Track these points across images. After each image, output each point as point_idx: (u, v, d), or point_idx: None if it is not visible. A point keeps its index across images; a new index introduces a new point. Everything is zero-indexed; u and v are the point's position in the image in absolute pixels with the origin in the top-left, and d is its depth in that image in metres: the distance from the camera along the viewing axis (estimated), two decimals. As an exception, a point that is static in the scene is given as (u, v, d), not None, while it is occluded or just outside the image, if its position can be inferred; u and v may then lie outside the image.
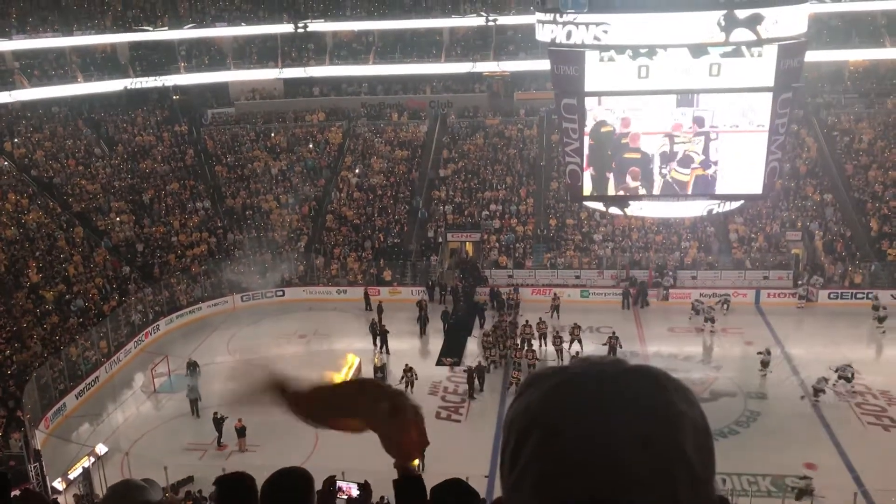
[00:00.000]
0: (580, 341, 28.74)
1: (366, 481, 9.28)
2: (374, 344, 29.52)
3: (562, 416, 1.10)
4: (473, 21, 42.95)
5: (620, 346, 28.23)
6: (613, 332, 28.72)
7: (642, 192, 20.09)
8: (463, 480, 3.29)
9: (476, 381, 26.63)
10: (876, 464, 21.02)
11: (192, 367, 27.79)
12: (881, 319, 29.47)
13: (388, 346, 29.50)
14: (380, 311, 31.38)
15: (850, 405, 24.50)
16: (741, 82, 18.62)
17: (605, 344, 28.22)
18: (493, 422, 24.64)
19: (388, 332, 29.63)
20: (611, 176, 19.98)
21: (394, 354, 29.29)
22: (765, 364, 26.65)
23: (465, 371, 27.30)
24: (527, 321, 30.15)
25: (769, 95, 18.68)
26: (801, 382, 26.14)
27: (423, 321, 31.46)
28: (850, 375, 24.95)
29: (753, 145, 19.43)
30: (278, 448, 23.08)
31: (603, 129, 19.41)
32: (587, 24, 17.98)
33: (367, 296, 34.19)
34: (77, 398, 27.09)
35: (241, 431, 23.47)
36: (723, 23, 17.26)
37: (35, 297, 30.86)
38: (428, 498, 3.05)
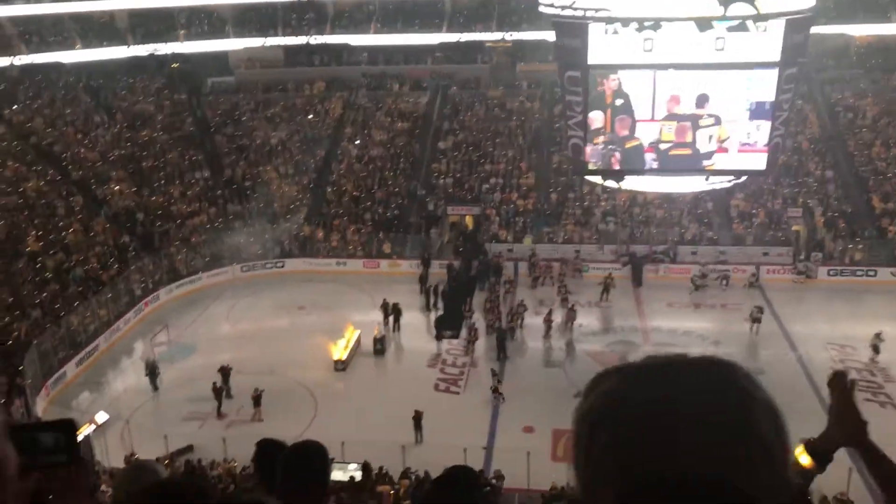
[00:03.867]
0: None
1: (366, 462, 9.34)
2: (386, 322, 29.32)
3: (636, 403, 1.10)
4: (476, -9, 42.50)
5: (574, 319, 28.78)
6: (572, 306, 29.25)
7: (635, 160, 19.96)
8: (468, 469, 3.30)
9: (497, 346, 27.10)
10: (873, 440, 21.10)
11: (153, 367, 26.00)
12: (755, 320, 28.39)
13: (400, 324, 29.39)
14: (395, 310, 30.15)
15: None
16: (746, 57, 18.40)
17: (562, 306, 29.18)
18: (490, 394, 24.77)
19: (401, 311, 29.40)
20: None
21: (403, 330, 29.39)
22: (755, 320, 27.46)
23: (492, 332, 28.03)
24: (521, 300, 30.19)
25: (773, 71, 18.51)
26: (798, 358, 26.23)
27: (427, 295, 31.44)
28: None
29: (756, 122, 19.27)
30: (276, 419, 23.26)
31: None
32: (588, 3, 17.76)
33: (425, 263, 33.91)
34: (77, 366, 27.18)
35: (257, 400, 23.57)
36: (721, -5, 17.05)
37: (35, 264, 30.85)
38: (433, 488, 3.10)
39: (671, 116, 19.15)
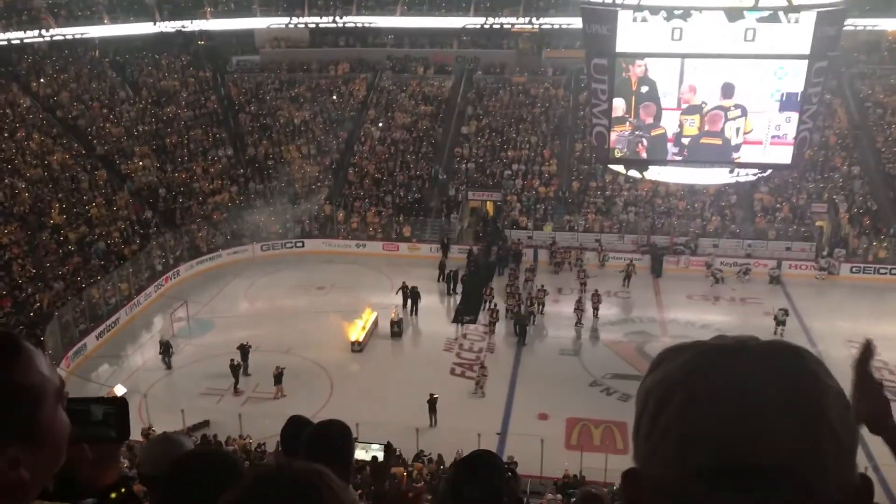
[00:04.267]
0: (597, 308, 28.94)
1: (388, 443, 9.32)
2: (405, 305, 29.35)
3: (704, 381, 1.09)
4: (504, -25, 42.16)
5: (599, 304, 28.86)
6: (596, 291, 29.29)
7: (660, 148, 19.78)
8: (490, 453, 3.30)
9: (518, 330, 27.36)
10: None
11: (167, 345, 26.04)
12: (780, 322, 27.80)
13: (418, 307, 29.45)
14: (414, 293, 30.02)
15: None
16: (776, 49, 18.15)
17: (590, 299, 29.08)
18: (506, 379, 24.82)
19: (419, 294, 29.46)
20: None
21: (420, 313, 29.47)
22: (780, 322, 27.08)
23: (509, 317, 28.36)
24: (542, 286, 30.21)
25: (803, 63, 18.25)
26: (818, 354, 25.86)
27: (448, 280, 31.46)
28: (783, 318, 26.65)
29: (786, 113, 19.03)
30: (292, 398, 23.44)
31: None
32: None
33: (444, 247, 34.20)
34: (97, 339, 27.51)
35: (278, 378, 23.70)
36: (753, -14, 16.82)
37: (58, 237, 31.18)
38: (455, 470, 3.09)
39: (692, 108, 18.96)
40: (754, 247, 33.45)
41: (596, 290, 29.45)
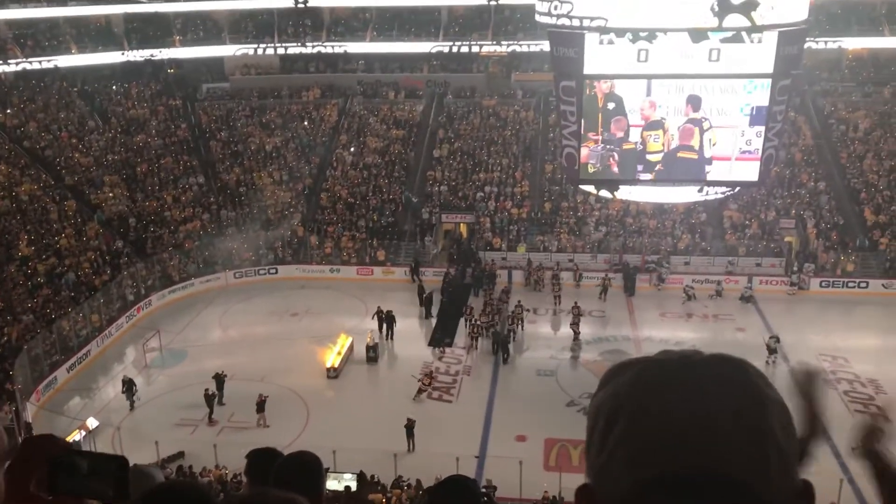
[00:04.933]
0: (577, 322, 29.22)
1: (361, 472, 9.28)
2: (380, 329, 29.18)
3: (652, 395, 1.12)
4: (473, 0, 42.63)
5: (580, 316, 29.07)
6: (575, 303, 29.49)
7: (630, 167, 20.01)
8: (465, 478, 3.27)
9: (498, 348, 27.64)
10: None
11: (130, 383, 25.11)
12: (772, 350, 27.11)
13: (394, 332, 29.34)
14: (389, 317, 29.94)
15: (839, 393, 24.66)
16: (740, 68, 18.53)
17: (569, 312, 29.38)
18: (483, 402, 24.76)
19: (394, 318, 29.32)
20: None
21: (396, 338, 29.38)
22: (771, 350, 26.35)
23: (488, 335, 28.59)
24: (518, 301, 30.39)
25: (766, 82, 18.63)
26: (790, 369, 26.21)
27: (426, 303, 31.42)
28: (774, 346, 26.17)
29: (743, 132, 19.38)
30: (267, 425, 23.20)
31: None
32: (587, 7, 17.87)
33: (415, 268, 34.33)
34: (68, 371, 27.06)
35: (260, 406, 23.36)
36: (716, 8, 17.17)
37: (27, 269, 30.74)
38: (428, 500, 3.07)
39: (653, 124, 19.24)
40: (720, 263, 33.78)
41: (575, 303, 29.66)
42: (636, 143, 19.43)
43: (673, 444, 1.07)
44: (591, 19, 17.83)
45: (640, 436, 1.10)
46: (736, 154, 19.59)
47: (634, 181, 20.28)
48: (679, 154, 19.48)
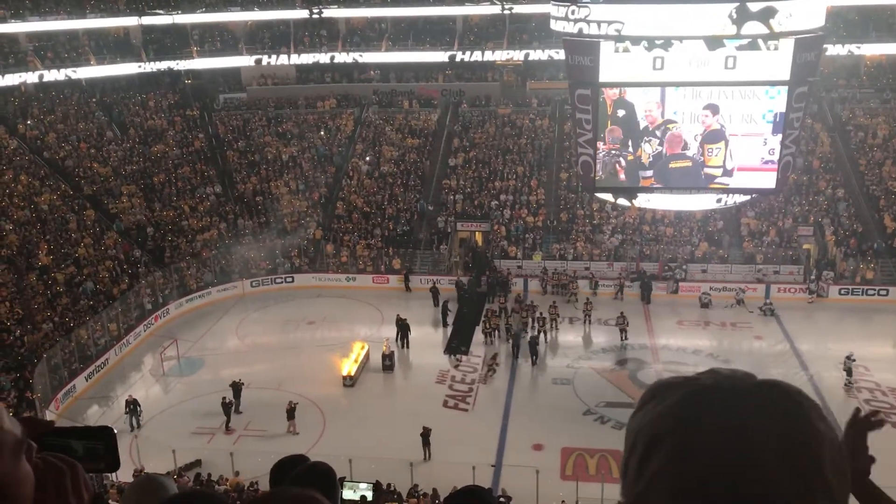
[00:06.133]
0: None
1: (377, 482, 9.27)
2: (398, 339, 29.19)
3: (697, 424, 1.07)
4: (488, 9, 42.73)
5: (627, 327, 29.32)
6: (622, 313, 29.81)
7: (647, 175, 19.97)
8: (481, 489, 3.24)
9: (518, 351, 28.22)
10: (883, 460, 20.77)
11: (134, 404, 24.43)
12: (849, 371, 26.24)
13: (408, 340, 29.33)
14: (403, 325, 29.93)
15: (859, 401, 24.39)
16: (757, 75, 18.48)
17: (616, 324, 29.65)
18: (499, 411, 24.69)
19: (408, 326, 29.34)
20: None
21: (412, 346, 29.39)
22: (849, 372, 25.54)
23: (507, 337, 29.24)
24: (553, 302, 31.06)
25: (775, 91, 18.57)
26: (809, 378, 26.04)
27: (443, 311, 31.41)
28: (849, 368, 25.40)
29: (766, 141, 19.32)
30: (284, 434, 23.26)
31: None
32: (602, 15, 17.88)
33: (406, 278, 34.81)
34: (87, 380, 27.24)
35: (290, 413, 23.36)
36: (734, 15, 17.14)
37: (46, 278, 31.03)
38: None
39: (671, 137, 19.22)
40: (738, 271, 33.58)
41: (587, 300, 30.97)
42: (643, 150, 19.48)
43: (717, 479, 1.03)
44: (609, 23, 17.81)
45: (683, 467, 1.05)
46: (758, 164, 19.54)
47: (651, 189, 20.25)
48: (672, 165, 19.53)
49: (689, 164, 19.53)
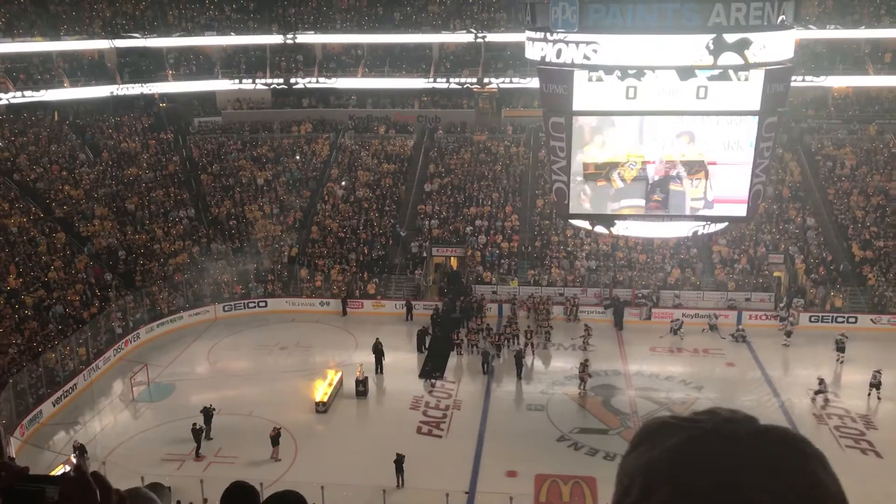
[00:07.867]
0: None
1: None
2: (377, 364, 28.94)
3: (693, 474, 1.03)
4: (463, 37, 43.16)
5: (590, 340, 30.62)
6: (585, 325, 31.42)
7: (627, 207, 20.17)
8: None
9: (488, 367, 28.95)
10: (854, 487, 20.91)
11: (81, 450, 23.26)
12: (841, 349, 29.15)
13: (383, 366, 29.14)
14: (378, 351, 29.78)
15: (830, 428, 24.63)
16: (728, 105, 18.82)
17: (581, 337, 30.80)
18: (473, 437, 24.58)
19: (383, 352, 29.13)
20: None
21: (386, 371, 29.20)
22: (876, 386, 26.32)
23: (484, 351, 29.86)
24: (546, 315, 32.31)
25: (754, 120, 18.90)
26: (781, 405, 26.26)
27: (420, 336, 31.23)
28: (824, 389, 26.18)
29: (738, 169, 19.63)
30: (255, 461, 22.95)
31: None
32: (577, 44, 18.11)
33: (344, 303, 34.82)
34: (54, 405, 26.75)
35: (274, 440, 23.08)
36: (712, 46, 17.45)
37: (14, 301, 30.53)
38: None
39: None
40: (710, 297, 33.92)
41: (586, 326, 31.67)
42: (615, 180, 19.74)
43: None
44: (585, 45, 18.01)
45: None
46: (744, 195, 19.87)
47: (625, 216, 20.45)
48: (654, 196, 19.83)
49: (674, 191, 19.80)
